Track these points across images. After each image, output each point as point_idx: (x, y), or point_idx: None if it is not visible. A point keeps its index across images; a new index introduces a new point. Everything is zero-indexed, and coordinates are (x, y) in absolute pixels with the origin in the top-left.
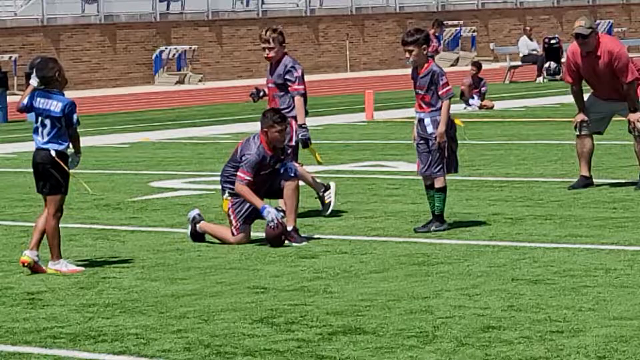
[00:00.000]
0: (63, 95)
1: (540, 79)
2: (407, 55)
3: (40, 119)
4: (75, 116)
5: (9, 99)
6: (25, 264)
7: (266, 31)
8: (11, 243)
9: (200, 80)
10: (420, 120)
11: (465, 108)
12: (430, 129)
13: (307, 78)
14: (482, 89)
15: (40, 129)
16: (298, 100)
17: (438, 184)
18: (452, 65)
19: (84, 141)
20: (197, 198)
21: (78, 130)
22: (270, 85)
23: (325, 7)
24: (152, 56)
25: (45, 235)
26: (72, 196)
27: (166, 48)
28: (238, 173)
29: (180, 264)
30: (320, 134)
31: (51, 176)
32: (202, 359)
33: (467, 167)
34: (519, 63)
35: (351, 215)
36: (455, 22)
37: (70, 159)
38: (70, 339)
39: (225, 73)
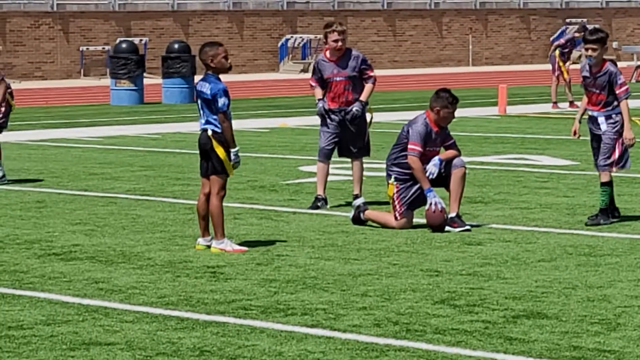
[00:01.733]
0: (218, 80)
1: None
2: (590, 52)
3: (199, 101)
4: (221, 100)
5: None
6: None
7: (339, 23)
8: (179, 219)
9: None
10: (594, 119)
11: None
12: (604, 127)
13: (429, 71)
14: None
15: (200, 112)
16: (371, 86)
17: (604, 178)
18: (573, 63)
19: None
20: (349, 183)
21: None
22: (338, 78)
23: (449, 1)
24: (278, 44)
25: (210, 216)
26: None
27: (292, 36)
28: (408, 146)
29: (350, 245)
30: (455, 125)
31: (212, 157)
32: (393, 335)
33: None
34: None
35: (506, 206)
36: (579, 20)
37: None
38: (261, 311)
39: None
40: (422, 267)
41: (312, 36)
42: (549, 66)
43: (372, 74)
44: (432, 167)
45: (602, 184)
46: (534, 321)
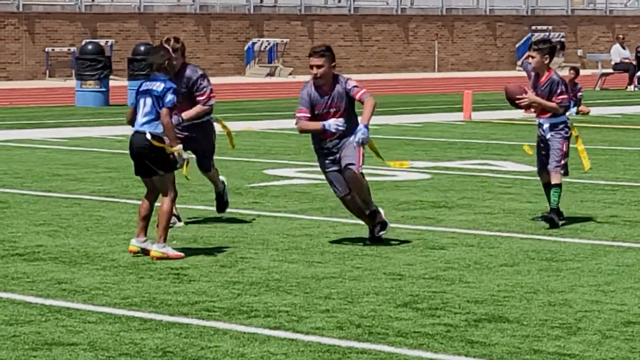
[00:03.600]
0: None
1: (631, 87)
2: (530, 59)
3: (141, 100)
4: (170, 96)
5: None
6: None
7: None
8: None
9: (290, 74)
10: (540, 125)
11: None
12: (548, 135)
13: (395, 76)
14: (579, 94)
15: (138, 112)
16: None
17: (555, 180)
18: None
19: None
20: (314, 187)
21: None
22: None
23: (416, 7)
24: (245, 47)
25: (158, 218)
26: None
27: (258, 40)
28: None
29: (314, 248)
30: (420, 131)
31: (152, 158)
32: (355, 338)
33: (575, 170)
34: (611, 70)
35: (470, 211)
36: (545, 27)
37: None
38: (224, 313)
39: None
40: (385, 270)
41: (278, 40)
42: (514, 73)
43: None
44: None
45: (554, 185)
46: (495, 325)
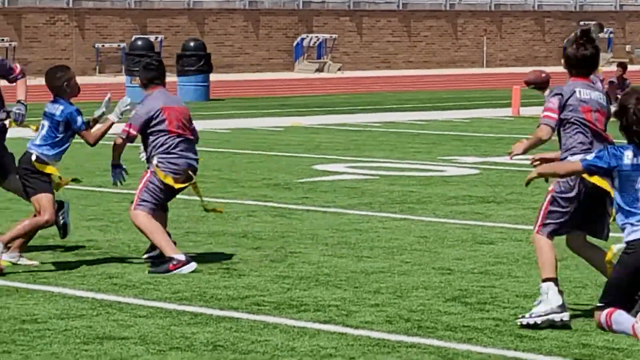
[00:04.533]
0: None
1: None
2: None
3: (43, 122)
4: (79, 120)
5: None
6: None
7: None
8: (193, 216)
9: (339, 69)
10: None
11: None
12: None
13: (443, 72)
14: (627, 90)
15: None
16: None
17: None
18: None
19: (236, 123)
20: (364, 182)
21: None
22: None
23: (464, 2)
24: (294, 43)
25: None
26: (240, 175)
27: (307, 36)
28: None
29: (363, 243)
30: (468, 126)
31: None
32: (404, 332)
33: None
34: None
35: (519, 206)
36: (593, 23)
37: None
38: (274, 307)
39: (363, 63)
40: (434, 265)
41: (327, 36)
42: (561, 69)
43: None
44: None
45: None
46: None
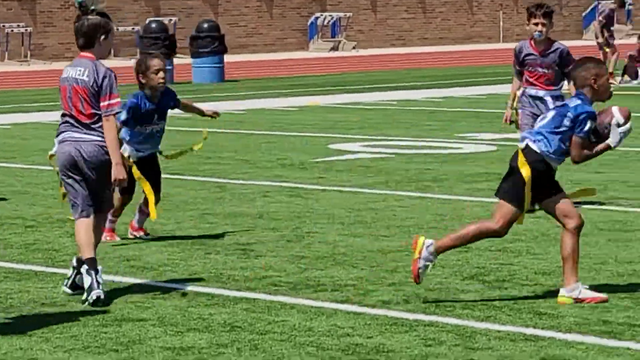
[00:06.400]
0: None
1: None
2: (540, 27)
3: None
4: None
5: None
6: None
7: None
8: (210, 197)
9: (354, 48)
10: (540, 99)
11: (629, 82)
12: (551, 106)
13: (459, 48)
14: None
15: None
16: None
17: None
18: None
19: (252, 104)
20: (379, 161)
21: None
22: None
23: None
24: (308, 22)
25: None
26: (256, 155)
27: (321, 14)
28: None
29: (379, 222)
30: (485, 102)
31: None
32: (422, 311)
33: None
34: None
35: None
36: None
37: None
38: (291, 288)
39: (378, 40)
40: None
41: (341, 14)
42: (580, 42)
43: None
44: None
45: None
46: None
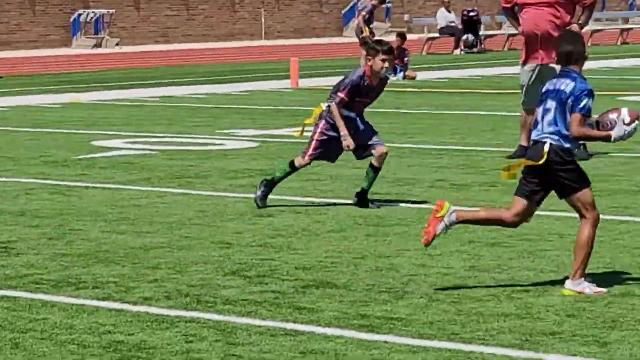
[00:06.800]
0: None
1: (458, 51)
2: (387, 65)
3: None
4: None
5: None
6: None
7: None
8: None
9: (117, 44)
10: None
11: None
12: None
13: (221, 45)
14: (405, 59)
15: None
16: None
17: None
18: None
19: (16, 100)
20: (142, 158)
21: None
22: None
23: None
24: (70, 19)
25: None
26: (19, 152)
27: (84, 11)
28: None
29: (142, 218)
30: (248, 99)
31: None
32: (184, 307)
33: (402, 135)
34: (437, 35)
35: (298, 178)
36: None
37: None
38: (52, 285)
39: (142, 37)
40: (214, 239)
41: (104, 11)
42: (340, 39)
43: None
44: None
45: None
46: (323, 291)
